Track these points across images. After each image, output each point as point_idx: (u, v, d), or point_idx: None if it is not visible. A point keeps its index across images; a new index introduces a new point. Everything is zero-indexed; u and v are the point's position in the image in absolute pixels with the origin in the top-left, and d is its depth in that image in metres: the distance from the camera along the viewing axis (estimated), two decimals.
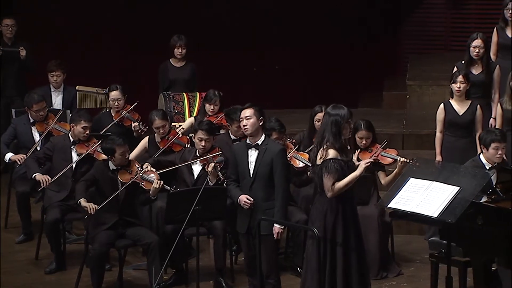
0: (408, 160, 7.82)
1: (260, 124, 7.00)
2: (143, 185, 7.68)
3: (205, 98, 9.17)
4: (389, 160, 8.09)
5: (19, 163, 8.62)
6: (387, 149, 8.22)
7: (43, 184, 8.15)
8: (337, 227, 6.46)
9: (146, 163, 7.92)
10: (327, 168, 6.37)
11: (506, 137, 7.49)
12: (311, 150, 6.57)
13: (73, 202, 7.90)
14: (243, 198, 7.04)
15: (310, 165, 8.07)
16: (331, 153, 6.39)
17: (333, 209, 6.44)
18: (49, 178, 8.17)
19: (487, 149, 7.46)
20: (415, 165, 7.67)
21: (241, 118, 7.03)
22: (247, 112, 6.98)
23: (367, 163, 6.55)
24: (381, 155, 8.05)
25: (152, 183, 7.64)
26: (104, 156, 7.94)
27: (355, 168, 6.47)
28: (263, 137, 7.03)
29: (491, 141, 7.43)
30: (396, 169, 7.94)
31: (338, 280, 6.41)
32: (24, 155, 8.59)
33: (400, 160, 7.90)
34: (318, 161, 6.43)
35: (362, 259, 6.55)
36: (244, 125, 6.99)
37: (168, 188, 7.71)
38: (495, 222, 6.61)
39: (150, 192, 7.67)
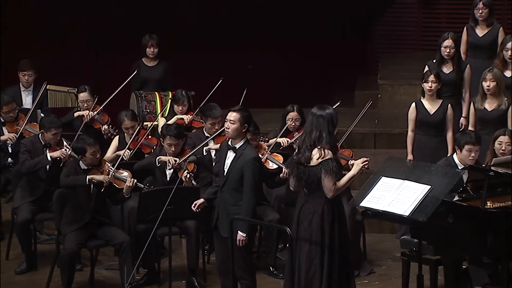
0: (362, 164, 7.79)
1: (243, 130, 6.94)
2: (115, 184, 7.65)
3: (173, 98, 9.16)
4: (343, 161, 8.09)
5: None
6: (344, 149, 8.24)
7: (64, 156, 8.06)
8: (334, 228, 6.41)
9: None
10: (328, 168, 6.29)
11: (481, 140, 7.52)
12: (298, 152, 6.45)
13: (44, 203, 7.85)
14: (198, 202, 7.07)
15: (284, 166, 8.10)
16: (329, 152, 6.35)
17: (330, 209, 6.41)
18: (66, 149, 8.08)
19: (461, 151, 7.49)
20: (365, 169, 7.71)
21: (226, 119, 6.99)
22: (233, 116, 6.91)
23: (364, 162, 6.53)
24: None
25: (125, 182, 7.62)
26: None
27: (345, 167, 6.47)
28: (242, 142, 6.97)
29: (465, 143, 7.45)
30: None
31: (323, 280, 6.40)
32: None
33: (350, 163, 7.87)
34: (315, 161, 6.35)
35: (348, 260, 6.56)
36: (226, 127, 6.95)
37: (142, 186, 7.70)
38: (465, 220, 6.65)
39: (124, 191, 7.64)
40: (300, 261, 6.43)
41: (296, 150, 6.53)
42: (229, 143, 7.00)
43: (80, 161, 7.71)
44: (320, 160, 6.33)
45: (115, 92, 9.33)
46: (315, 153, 6.34)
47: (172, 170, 8.05)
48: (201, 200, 7.10)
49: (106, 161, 7.90)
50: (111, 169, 7.68)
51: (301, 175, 6.42)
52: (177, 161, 7.98)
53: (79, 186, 7.62)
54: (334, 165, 6.34)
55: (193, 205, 7.11)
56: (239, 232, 6.85)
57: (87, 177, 7.60)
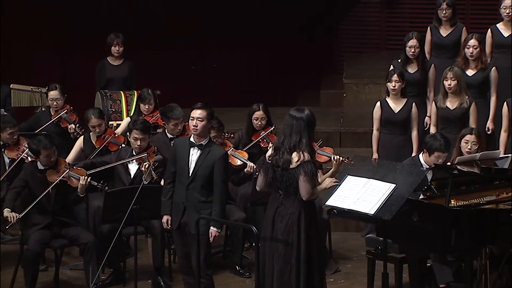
0: (343, 158, 7.90)
1: (208, 126, 6.97)
2: (70, 183, 7.62)
3: (139, 97, 9.13)
4: (325, 158, 8.15)
5: None
6: (324, 147, 8.28)
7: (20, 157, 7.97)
8: (310, 230, 6.42)
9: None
10: (306, 171, 6.30)
11: (450, 146, 7.56)
12: (276, 154, 6.46)
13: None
14: (165, 219, 7.04)
15: (249, 163, 8.12)
16: (308, 156, 6.36)
17: (307, 212, 6.40)
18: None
19: (429, 155, 7.52)
20: (350, 164, 7.80)
21: (192, 117, 6.94)
22: (199, 113, 6.89)
23: (335, 182, 6.56)
24: (317, 153, 8.11)
25: (79, 180, 7.58)
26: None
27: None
28: (208, 138, 6.98)
29: (435, 149, 7.45)
30: (332, 168, 8.00)
31: (301, 283, 6.41)
32: None
33: (334, 158, 7.96)
34: (294, 164, 6.34)
35: (323, 260, 6.60)
36: (194, 125, 6.90)
37: (95, 183, 7.66)
38: (430, 218, 6.70)
39: (78, 190, 7.61)
40: (275, 262, 6.42)
41: (272, 151, 6.48)
42: (192, 139, 6.98)
43: (38, 162, 7.67)
44: (299, 163, 6.34)
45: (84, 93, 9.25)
46: (295, 157, 6.35)
47: (136, 166, 8.01)
48: (166, 217, 7.06)
49: (64, 160, 7.86)
50: (67, 168, 7.65)
51: (277, 177, 6.40)
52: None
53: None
54: (313, 168, 6.35)
55: (165, 223, 7.07)
56: (212, 228, 6.86)
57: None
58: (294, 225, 6.37)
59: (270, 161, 6.42)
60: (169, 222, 7.05)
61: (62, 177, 7.61)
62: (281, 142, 6.39)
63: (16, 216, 7.51)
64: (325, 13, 12.69)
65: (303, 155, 6.32)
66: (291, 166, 6.33)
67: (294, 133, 6.35)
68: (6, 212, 7.54)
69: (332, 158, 8.00)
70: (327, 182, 6.53)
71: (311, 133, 6.41)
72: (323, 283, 6.51)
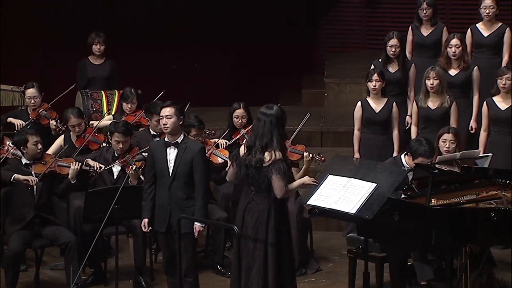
0: (314, 155, 7.96)
1: (180, 123, 6.98)
2: (60, 171, 7.61)
3: (122, 96, 9.12)
4: (297, 156, 8.18)
5: None
6: (295, 145, 8.31)
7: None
8: (279, 227, 6.45)
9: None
10: (279, 169, 6.35)
11: (434, 153, 7.58)
12: (249, 153, 6.48)
13: None
14: (144, 222, 7.01)
15: (230, 162, 8.12)
16: (279, 154, 6.40)
17: (277, 209, 6.45)
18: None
19: (413, 159, 7.54)
20: (321, 161, 7.86)
21: (161, 116, 6.99)
22: (168, 110, 6.94)
23: (314, 181, 6.57)
24: (289, 151, 8.13)
25: (69, 168, 7.57)
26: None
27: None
28: (182, 135, 7.00)
29: (419, 154, 7.45)
30: (304, 165, 8.05)
31: (269, 279, 6.43)
32: None
33: (305, 155, 8.00)
34: (266, 163, 6.38)
35: (292, 257, 6.62)
36: (164, 124, 6.95)
37: (88, 168, 7.69)
38: (410, 218, 6.72)
39: (69, 176, 7.61)
40: (243, 257, 6.46)
41: (245, 150, 6.53)
42: (167, 139, 6.98)
43: (22, 157, 7.63)
44: (271, 161, 6.38)
45: (66, 91, 9.23)
46: (267, 156, 6.40)
47: (119, 167, 8.00)
48: (146, 220, 7.05)
49: (48, 154, 7.84)
50: (54, 158, 7.64)
51: (249, 175, 6.44)
52: (103, 168, 7.87)
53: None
54: (284, 166, 6.39)
55: (143, 226, 7.05)
56: (196, 224, 6.86)
57: (13, 176, 7.51)
58: (264, 222, 6.43)
59: (244, 161, 6.47)
60: (146, 224, 7.02)
61: (50, 166, 7.57)
62: (253, 141, 6.45)
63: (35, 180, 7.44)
64: (306, 13, 12.71)
65: (275, 154, 6.37)
66: (263, 165, 6.38)
67: (265, 132, 6.41)
68: (18, 176, 7.47)
69: (303, 156, 8.04)
70: (305, 179, 6.54)
71: (282, 131, 6.46)
72: (292, 282, 6.52)
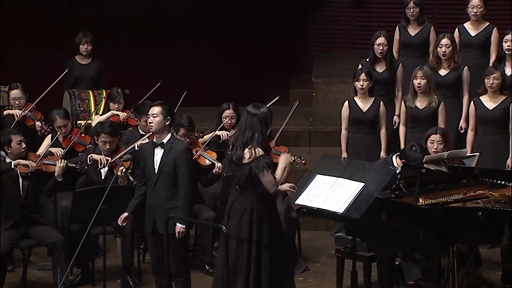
0: (295, 158, 7.96)
1: (167, 123, 6.96)
2: (46, 169, 7.59)
3: (109, 96, 9.11)
4: (279, 158, 8.15)
5: None
6: (279, 146, 8.31)
7: None
8: (262, 225, 6.44)
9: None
10: (261, 165, 6.35)
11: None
12: (232, 149, 6.49)
13: None
14: (123, 216, 6.99)
15: (218, 163, 8.12)
16: (259, 151, 6.39)
17: (260, 207, 6.44)
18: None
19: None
20: (302, 163, 7.87)
21: (149, 114, 7.00)
22: (155, 110, 6.95)
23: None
24: (272, 153, 8.13)
25: (55, 165, 7.55)
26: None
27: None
28: (169, 136, 6.99)
29: (411, 161, 7.48)
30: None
31: (250, 277, 6.42)
32: None
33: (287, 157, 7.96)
34: (246, 160, 6.38)
35: (283, 256, 6.60)
36: (149, 122, 6.97)
37: (73, 165, 7.70)
38: (398, 217, 6.74)
39: (56, 174, 7.59)
40: (229, 258, 6.44)
41: (230, 147, 6.57)
42: (155, 140, 6.99)
43: (6, 157, 7.61)
44: (251, 159, 6.37)
45: (46, 90, 9.20)
46: (246, 153, 6.40)
47: (106, 168, 7.99)
48: (125, 214, 7.02)
49: (33, 153, 7.82)
50: (39, 157, 7.62)
51: (233, 172, 6.46)
52: (109, 160, 7.93)
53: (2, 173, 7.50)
54: (266, 160, 6.40)
55: (119, 220, 7.02)
56: (178, 224, 6.84)
57: (13, 162, 7.48)
58: (246, 221, 6.43)
59: (228, 157, 6.50)
60: (123, 218, 6.98)
61: (37, 165, 7.55)
62: (236, 137, 6.47)
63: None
64: (294, 13, 12.71)
65: (255, 152, 6.37)
66: (243, 162, 6.38)
67: (247, 129, 6.42)
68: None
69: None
70: (285, 187, 6.56)
71: (265, 130, 6.45)
72: (286, 280, 6.51)
